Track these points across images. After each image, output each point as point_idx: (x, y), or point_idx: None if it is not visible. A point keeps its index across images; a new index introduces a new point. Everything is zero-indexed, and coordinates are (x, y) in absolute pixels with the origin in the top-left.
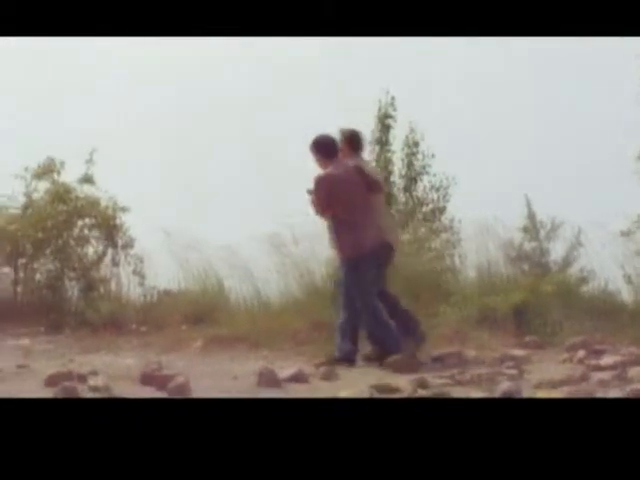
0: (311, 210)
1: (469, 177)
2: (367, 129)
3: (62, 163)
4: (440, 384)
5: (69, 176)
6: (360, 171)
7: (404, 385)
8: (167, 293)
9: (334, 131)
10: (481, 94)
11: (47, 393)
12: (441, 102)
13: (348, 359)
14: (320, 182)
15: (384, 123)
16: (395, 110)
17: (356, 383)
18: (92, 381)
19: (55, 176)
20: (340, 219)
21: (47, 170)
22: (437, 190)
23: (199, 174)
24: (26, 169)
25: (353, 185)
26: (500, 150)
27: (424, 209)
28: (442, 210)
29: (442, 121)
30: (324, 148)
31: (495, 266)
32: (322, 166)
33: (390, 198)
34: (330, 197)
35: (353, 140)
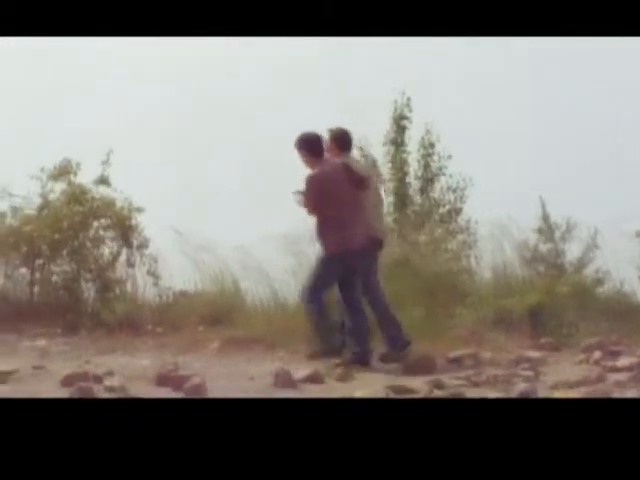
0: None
1: (485, 178)
2: (381, 130)
3: (78, 164)
4: (456, 385)
5: (85, 177)
6: (348, 169)
7: (420, 386)
8: (183, 294)
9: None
10: (496, 95)
11: (63, 393)
12: (457, 103)
13: (362, 360)
14: (311, 181)
15: (399, 124)
16: (411, 111)
17: (372, 384)
18: (108, 382)
19: (71, 177)
20: (328, 217)
21: (63, 171)
22: (454, 191)
23: (215, 174)
24: (42, 170)
25: (341, 183)
26: (516, 151)
27: (440, 210)
28: (458, 211)
29: (458, 122)
30: (310, 146)
31: (511, 267)
32: (308, 164)
33: (406, 199)
34: (321, 196)
35: (341, 139)
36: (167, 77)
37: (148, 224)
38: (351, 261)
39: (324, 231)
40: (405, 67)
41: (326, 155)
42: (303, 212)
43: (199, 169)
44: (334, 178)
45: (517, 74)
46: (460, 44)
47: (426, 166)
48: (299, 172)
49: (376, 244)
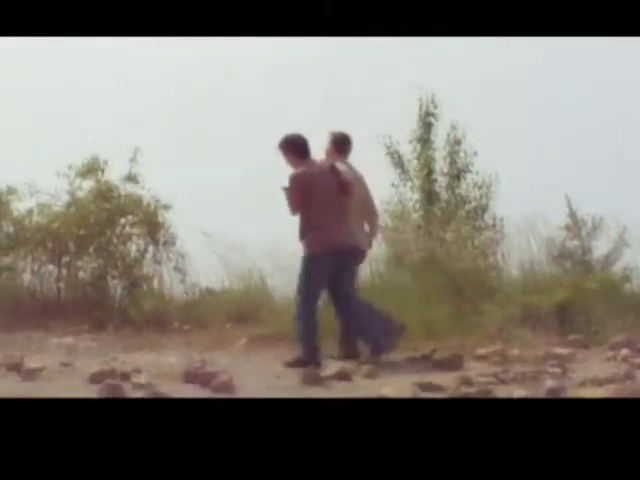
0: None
1: (512, 175)
2: (407, 128)
3: (106, 162)
4: (483, 382)
5: (112, 174)
6: (334, 171)
7: (447, 383)
8: (209, 291)
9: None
10: (523, 92)
11: (91, 391)
12: (483, 100)
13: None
14: (294, 180)
15: (425, 121)
16: (436, 107)
17: (399, 381)
18: (136, 379)
19: (99, 174)
20: (311, 216)
21: (91, 168)
22: (480, 188)
23: (241, 172)
24: (70, 167)
25: (326, 184)
26: (543, 147)
27: (467, 207)
28: (485, 208)
29: (485, 119)
30: (295, 147)
31: (538, 264)
32: (293, 165)
33: (432, 196)
34: (304, 195)
35: (341, 143)
36: (197, 76)
37: (176, 221)
38: (335, 261)
39: (307, 231)
40: (430, 65)
41: (314, 157)
42: None
43: (227, 166)
44: (319, 179)
45: (545, 70)
46: (486, 42)
47: (452, 163)
48: None
49: (354, 251)
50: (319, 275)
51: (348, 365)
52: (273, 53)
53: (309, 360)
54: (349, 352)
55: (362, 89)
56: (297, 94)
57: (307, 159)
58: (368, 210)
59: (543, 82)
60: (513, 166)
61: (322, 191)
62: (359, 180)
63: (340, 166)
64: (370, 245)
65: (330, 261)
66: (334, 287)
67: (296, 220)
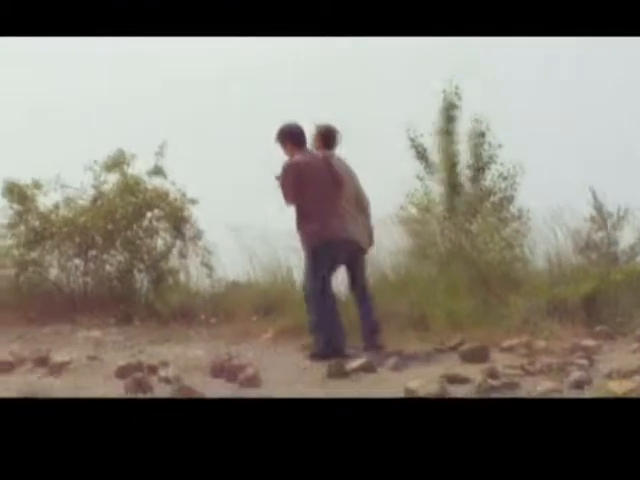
0: (375, 200)
1: (537, 166)
2: (431, 120)
3: (132, 155)
4: (510, 374)
5: (138, 168)
6: (329, 164)
7: (474, 375)
8: (235, 284)
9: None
10: (546, 82)
11: (118, 384)
12: (506, 92)
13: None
14: (288, 168)
15: (449, 113)
16: (460, 99)
17: (425, 373)
18: (163, 372)
19: (125, 168)
20: (306, 207)
21: (117, 162)
22: (505, 179)
23: (268, 165)
24: (96, 161)
25: (321, 175)
26: (568, 138)
27: (492, 199)
28: (510, 199)
29: (509, 110)
30: (290, 136)
31: (564, 255)
32: (289, 154)
33: (457, 188)
34: (297, 184)
35: (327, 135)
36: (221, 72)
37: (202, 215)
38: (335, 251)
39: (303, 222)
40: (453, 58)
41: (310, 148)
42: None
43: (253, 159)
44: (313, 168)
45: (571, 61)
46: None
47: (477, 155)
48: (359, 162)
49: (352, 245)
50: (324, 265)
51: (374, 357)
52: (298, 49)
53: (331, 353)
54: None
55: (386, 83)
56: (323, 89)
57: (303, 149)
58: (361, 204)
59: (569, 73)
60: (539, 157)
61: (317, 182)
62: (349, 173)
63: (333, 159)
64: (371, 242)
65: (332, 251)
66: (350, 277)
67: None
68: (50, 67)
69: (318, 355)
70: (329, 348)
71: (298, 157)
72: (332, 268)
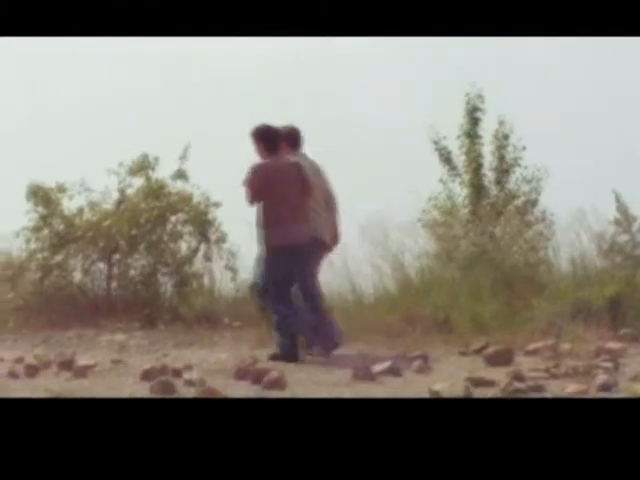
0: (406, 202)
1: (562, 169)
2: (455, 123)
3: (156, 159)
4: (535, 377)
5: (162, 172)
6: (298, 168)
7: (499, 378)
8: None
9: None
10: (570, 85)
11: (143, 387)
12: (530, 94)
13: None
14: (253, 171)
15: (473, 116)
16: (483, 102)
17: (450, 376)
18: (187, 375)
19: (149, 172)
20: (271, 210)
21: (141, 166)
22: (529, 182)
23: None
24: (120, 165)
25: (288, 179)
26: (592, 141)
27: (516, 202)
28: (534, 202)
29: (533, 113)
30: (261, 138)
31: (588, 258)
32: (259, 155)
33: (481, 191)
34: (262, 186)
35: (291, 137)
36: (246, 72)
37: (227, 218)
38: (295, 254)
39: (266, 223)
40: (477, 61)
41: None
42: (380, 202)
43: None
44: (280, 171)
45: (595, 64)
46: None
47: (501, 158)
48: (386, 164)
49: (317, 244)
50: (282, 268)
51: (399, 361)
52: (316, 50)
53: (290, 356)
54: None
55: (409, 85)
56: (345, 91)
57: (274, 152)
58: (329, 203)
59: (592, 75)
60: (563, 160)
61: (284, 186)
62: (319, 173)
63: (302, 162)
64: (337, 238)
65: (291, 254)
66: (300, 282)
67: (345, 215)
68: (76, 69)
69: (277, 356)
70: (285, 350)
71: (265, 161)
72: (291, 271)
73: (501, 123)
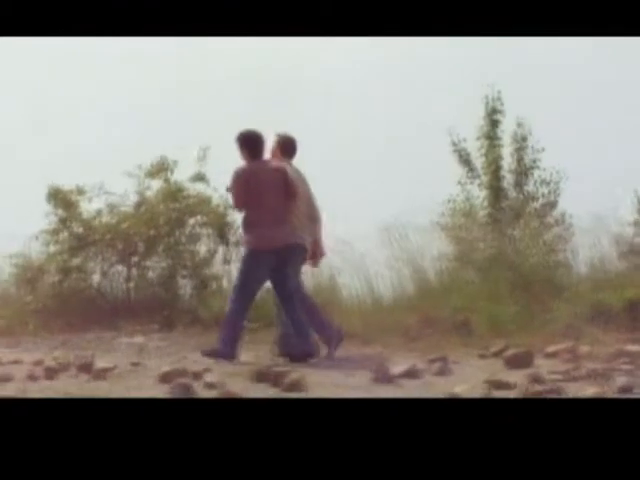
0: (425, 205)
1: (581, 171)
2: (475, 125)
3: (175, 161)
4: (554, 379)
5: (181, 174)
6: (283, 174)
7: (519, 380)
8: None
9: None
10: (588, 87)
11: (162, 390)
12: (548, 95)
13: (308, 355)
14: (235, 176)
15: (492, 118)
16: (502, 104)
17: (470, 379)
18: (207, 378)
19: (168, 174)
20: (253, 213)
21: (160, 168)
22: (547, 184)
23: (314, 168)
24: (139, 167)
25: (272, 184)
26: (611, 143)
27: (535, 204)
28: (553, 204)
29: (550, 115)
30: (246, 143)
31: (607, 261)
32: (244, 160)
33: (500, 193)
34: (245, 191)
35: (286, 145)
36: (263, 73)
37: None
38: (275, 258)
39: (247, 227)
40: (495, 62)
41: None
42: (400, 205)
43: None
44: (266, 177)
45: (614, 65)
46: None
47: (519, 160)
48: (408, 167)
49: (300, 250)
50: (257, 272)
51: (419, 363)
52: (345, 52)
53: (224, 353)
54: (289, 351)
55: (427, 87)
56: (364, 93)
57: (258, 157)
58: (312, 211)
59: (611, 77)
60: (582, 162)
61: (268, 190)
62: (303, 182)
63: (289, 168)
64: (321, 250)
65: (269, 258)
66: (279, 285)
67: (364, 218)
68: (96, 71)
69: (211, 353)
70: (223, 348)
71: (249, 166)
72: (265, 274)
73: (520, 125)
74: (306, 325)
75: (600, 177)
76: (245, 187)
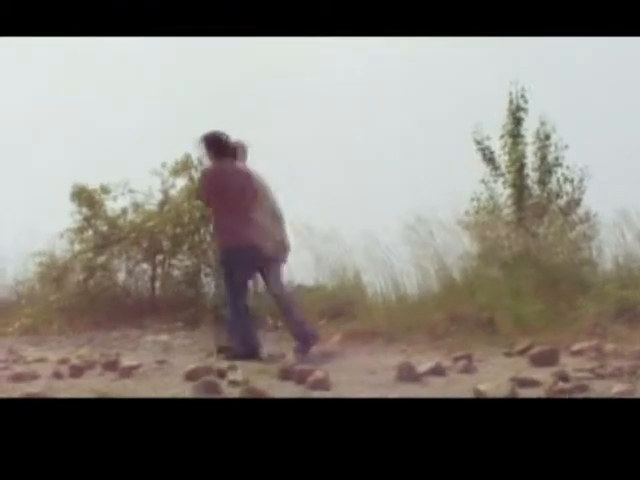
0: (450, 202)
1: (605, 167)
2: (499, 123)
3: (199, 159)
4: (580, 377)
5: None
6: (247, 175)
7: (544, 378)
8: (302, 288)
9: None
10: (611, 84)
11: (187, 388)
12: (572, 93)
13: (247, 355)
14: (203, 175)
15: (515, 116)
16: (526, 102)
17: (495, 376)
18: (232, 376)
19: (192, 172)
20: (220, 213)
21: (184, 166)
22: (572, 182)
23: (339, 165)
24: (163, 165)
25: (236, 185)
26: (636, 139)
27: (559, 201)
28: (577, 202)
29: (574, 112)
30: (209, 145)
31: (633, 258)
32: (209, 161)
33: (524, 191)
34: (212, 190)
35: (237, 151)
36: (282, 72)
37: None
38: (240, 256)
39: (218, 227)
40: (518, 60)
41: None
42: (424, 203)
43: (331, 160)
44: (230, 178)
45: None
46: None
47: (543, 158)
48: (433, 163)
49: (258, 252)
50: (239, 269)
51: (444, 361)
52: (354, 52)
53: (239, 353)
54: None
55: (450, 84)
56: (414, 90)
57: (223, 158)
58: (276, 216)
59: (632, 75)
60: (607, 158)
61: (233, 190)
62: (268, 188)
63: (251, 169)
64: (286, 247)
65: (248, 255)
66: (231, 284)
67: (389, 215)
68: (120, 69)
69: (235, 355)
70: (242, 348)
71: (216, 165)
72: (246, 272)
73: (543, 123)
74: (249, 326)
75: (624, 174)
76: (213, 187)
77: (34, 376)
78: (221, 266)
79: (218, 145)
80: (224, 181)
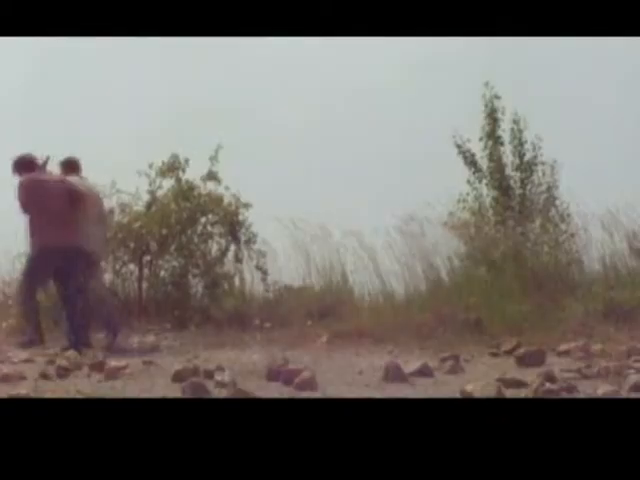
0: (437, 204)
1: (593, 168)
2: (473, 126)
3: (187, 160)
4: (567, 378)
5: (193, 173)
6: (65, 183)
7: (531, 378)
8: (289, 288)
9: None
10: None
11: (174, 389)
12: (547, 95)
13: (77, 346)
14: (20, 185)
15: (492, 117)
16: (500, 101)
17: (482, 377)
18: (219, 377)
19: (179, 173)
20: (36, 218)
21: (172, 167)
22: (555, 181)
23: (328, 166)
24: (150, 166)
25: (53, 191)
26: (623, 139)
27: (541, 201)
28: (563, 202)
29: (569, 114)
30: (20, 166)
31: (620, 258)
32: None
33: (507, 192)
34: (28, 198)
35: (70, 165)
36: (278, 74)
37: (257, 218)
38: (58, 258)
39: (32, 230)
40: (488, 60)
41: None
42: (412, 204)
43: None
44: (46, 186)
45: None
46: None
47: (521, 157)
48: (422, 163)
49: (83, 253)
50: (39, 271)
51: (431, 361)
52: (360, 53)
53: (33, 340)
54: (79, 340)
55: (429, 88)
56: (409, 94)
57: (36, 170)
58: (101, 218)
59: (619, 71)
60: (595, 159)
61: (49, 197)
62: (93, 192)
63: (75, 180)
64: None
65: (53, 258)
66: (62, 284)
67: (376, 216)
68: (107, 69)
69: (25, 343)
70: (30, 337)
71: (31, 175)
72: (46, 273)
73: (516, 122)
74: (79, 323)
75: (613, 174)
76: (28, 195)
77: (21, 377)
78: (28, 263)
79: (24, 166)
80: (42, 189)
